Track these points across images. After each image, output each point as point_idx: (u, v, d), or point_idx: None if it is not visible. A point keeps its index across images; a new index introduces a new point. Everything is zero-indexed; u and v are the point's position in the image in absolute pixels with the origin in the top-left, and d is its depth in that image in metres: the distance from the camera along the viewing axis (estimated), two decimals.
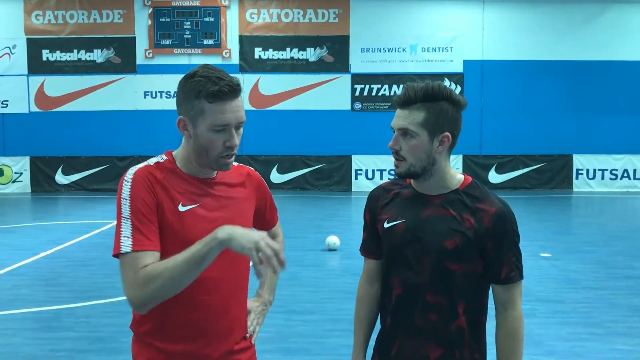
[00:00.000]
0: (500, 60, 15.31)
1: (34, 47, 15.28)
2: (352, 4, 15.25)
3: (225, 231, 1.69)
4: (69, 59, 15.35)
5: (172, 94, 14.99)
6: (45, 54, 15.31)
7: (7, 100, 15.36)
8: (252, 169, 2.16)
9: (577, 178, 15.47)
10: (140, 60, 15.31)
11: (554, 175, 15.49)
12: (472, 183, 2.04)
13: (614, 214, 12.58)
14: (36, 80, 15.34)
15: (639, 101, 15.34)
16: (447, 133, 1.97)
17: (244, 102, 1.96)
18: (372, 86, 15.42)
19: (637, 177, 15.47)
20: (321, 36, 15.33)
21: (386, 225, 2.06)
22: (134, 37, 15.31)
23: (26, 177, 15.41)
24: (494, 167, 15.46)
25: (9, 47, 15.27)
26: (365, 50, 15.36)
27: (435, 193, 2.02)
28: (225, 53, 15.22)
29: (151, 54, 15.27)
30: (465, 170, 14.82)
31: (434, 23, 15.34)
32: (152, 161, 1.91)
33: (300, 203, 13.40)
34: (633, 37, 15.22)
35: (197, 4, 15.18)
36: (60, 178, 15.42)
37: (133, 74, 15.35)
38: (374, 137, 14.64)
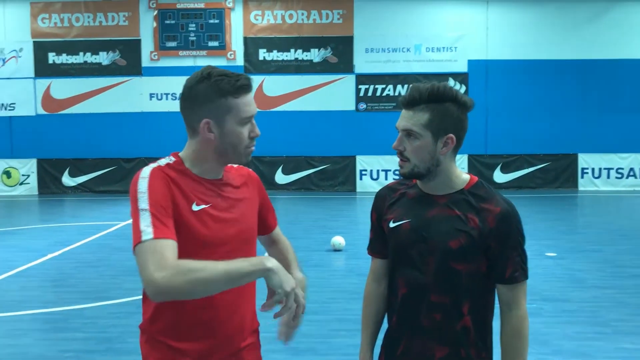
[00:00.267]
0: (504, 59, 15.29)
1: (41, 50, 15.36)
2: (356, 4, 15.26)
3: (273, 262, 1.76)
4: (75, 61, 15.42)
5: (177, 95, 14.94)
6: (52, 57, 15.39)
7: (14, 103, 15.44)
8: (251, 170, 2.19)
9: (582, 177, 15.42)
10: (145, 62, 15.37)
11: (559, 174, 15.45)
12: (477, 183, 2.05)
13: (620, 213, 12.54)
14: (43, 83, 15.42)
15: None
16: (451, 135, 1.97)
17: None
18: (376, 86, 15.42)
19: None
20: (325, 37, 15.35)
21: (392, 224, 2.07)
22: (139, 40, 15.37)
23: (33, 179, 15.49)
24: (499, 166, 15.44)
25: (15, 51, 15.36)
26: (369, 50, 15.36)
27: (441, 193, 2.03)
28: (230, 54, 15.26)
29: (156, 56, 15.32)
30: (470, 170, 14.81)
31: (438, 23, 15.34)
32: (162, 162, 1.93)
33: (305, 204, 13.42)
34: (638, 36, 15.17)
35: (202, 6, 15.23)
36: (67, 180, 15.49)
37: (138, 76, 15.41)
38: (379, 137, 14.64)
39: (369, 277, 2.25)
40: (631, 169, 15.37)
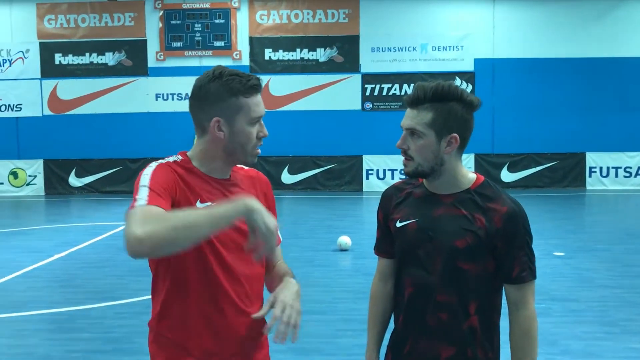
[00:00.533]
0: (511, 58, 15.23)
1: (47, 51, 15.41)
2: (362, 3, 15.24)
3: (254, 201, 1.73)
4: (81, 62, 15.47)
5: (183, 96, 15.04)
6: (58, 58, 15.44)
7: (20, 104, 15.51)
8: (261, 172, 2.18)
9: (590, 176, 15.34)
10: (151, 62, 15.40)
11: (566, 173, 15.38)
12: (484, 182, 2.04)
13: (628, 212, 12.47)
14: (49, 83, 15.47)
15: None
16: (455, 134, 1.96)
17: None
18: (382, 86, 15.40)
19: None
20: (331, 36, 15.34)
21: (398, 224, 2.07)
22: (145, 40, 15.40)
23: (40, 180, 15.55)
24: (506, 165, 15.38)
25: (22, 52, 15.42)
26: (375, 49, 15.34)
27: (447, 192, 2.02)
28: (236, 54, 15.27)
29: (162, 57, 15.34)
30: (477, 169, 14.75)
31: (444, 22, 15.29)
32: (170, 159, 1.94)
33: (311, 203, 13.41)
34: None
35: (208, 6, 15.24)
36: (74, 180, 15.54)
37: (144, 76, 15.44)
38: (385, 136, 14.59)
39: (375, 277, 2.24)
40: (639, 168, 15.27)
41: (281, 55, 15.41)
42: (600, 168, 15.32)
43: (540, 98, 15.27)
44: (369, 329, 2.21)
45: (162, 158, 1.96)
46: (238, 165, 2.05)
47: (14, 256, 8.29)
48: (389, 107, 15.35)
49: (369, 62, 15.37)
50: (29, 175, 15.55)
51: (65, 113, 15.51)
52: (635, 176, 15.28)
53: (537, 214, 10.77)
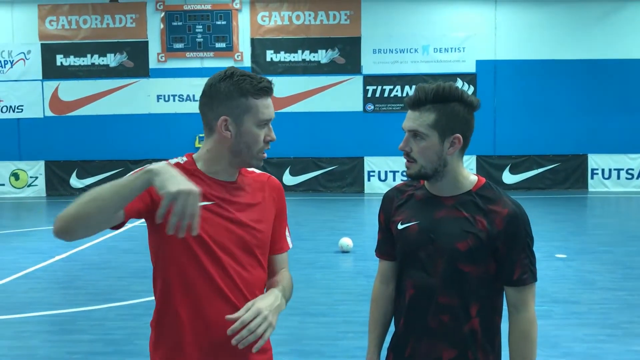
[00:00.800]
0: (513, 59, 15.23)
1: (48, 52, 15.44)
2: (364, 5, 15.24)
3: (158, 164, 1.66)
4: (82, 63, 15.49)
5: (184, 97, 15.05)
6: (59, 59, 15.47)
7: (22, 105, 15.53)
8: (273, 176, 2.14)
9: (592, 178, 15.33)
10: (153, 64, 15.42)
11: (568, 175, 15.36)
12: (485, 184, 2.03)
13: (630, 214, 12.45)
14: (50, 85, 15.50)
15: None
16: (457, 135, 1.96)
17: None
18: (384, 87, 15.40)
19: None
20: (333, 38, 15.34)
21: (400, 226, 2.06)
22: (147, 41, 15.42)
23: (41, 181, 15.57)
24: (508, 167, 15.36)
25: (23, 53, 15.44)
26: (377, 51, 15.34)
27: (448, 194, 2.02)
28: (237, 56, 15.28)
29: (164, 58, 15.36)
30: (479, 171, 14.74)
31: (445, 23, 15.29)
32: (172, 161, 1.93)
33: (313, 205, 13.40)
34: None
35: (209, 7, 15.25)
36: (75, 182, 15.55)
37: (146, 77, 15.45)
38: (387, 138, 14.61)
39: (376, 279, 2.23)
40: None
41: (283, 56, 15.41)
42: (603, 170, 15.30)
43: (542, 100, 15.26)
44: (370, 331, 2.20)
45: (166, 159, 1.94)
46: (249, 170, 2.02)
47: (15, 257, 8.29)
48: (390, 108, 15.35)
49: (370, 64, 15.38)
50: (30, 177, 15.56)
51: (67, 114, 15.53)
52: (637, 178, 15.26)
53: (539, 216, 10.75)
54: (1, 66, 15.51)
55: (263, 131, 1.91)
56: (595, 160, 15.29)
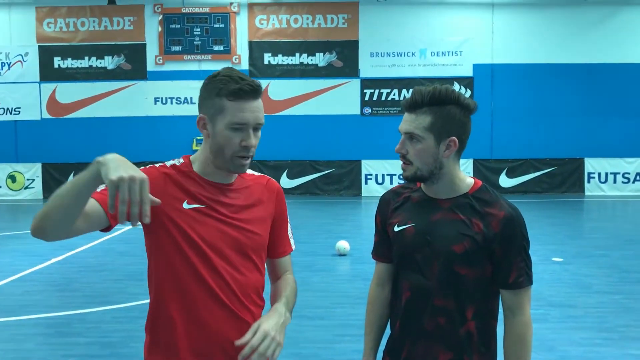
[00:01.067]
0: (510, 63, 15.27)
1: (46, 54, 15.43)
2: (361, 8, 15.27)
3: (108, 156, 1.61)
4: (80, 66, 15.48)
5: (182, 100, 15.05)
6: (57, 61, 15.46)
7: (19, 108, 15.51)
8: (273, 179, 2.12)
9: (588, 182, 15.36)
10: (150, 66, 15.41)
11: (565, 179, 15.39)
12: (481, 187, 2.03)
13: (626, 217, 12.47)
14: (48, 87, 15.48)
15: None
16: (453, 137, 1.96)
17: None
18: (381, 91, 15.42)
19: None
20: (330, 41, 15.36)
21: (396, 229, 2.06)
22: (144, 44, 15.42)
23: (38, 184, 15.54)
24: (504, 171, 15.39)
25: (21, 55, 15.43)
26: (374, 54, 15.36)
27: (445, 197, 2.02)
28: (235, 59, 15.28)
29: (161, 61, 15.36)
30: (475, 175, 14.76)
31: (443, 27, 15.33)
32: (168, 163, 1.94)
33: (310, 208, 13.40)
34: None
35: (207, 10, 15.27)
36: None
37: (143, 80, 15.45)
38: (384, 141, 14.61)
39: (373, 282, 2.23)
40: (638, 174, 15.30)
41: (280, 59, 15.43)
42: (599, 174, 15.34)
43: (538, 104, 15.30)
44: (366, 333, 2.20)
45: (163, 162, 1.96)
46: (248, 172, 2.00)
47: (11, 260, 8.27)
48: (387, 112, 15.37)
49: (368, 67, 15.40)
50: (27, 179, 15.53)
51: (64, 117, 15.52)
52: (634, 182, 15.30)
53: (536, 219, 10.76)
54: None
55: (237, 135, 1.82)
56: (591, 164, 15.33)
